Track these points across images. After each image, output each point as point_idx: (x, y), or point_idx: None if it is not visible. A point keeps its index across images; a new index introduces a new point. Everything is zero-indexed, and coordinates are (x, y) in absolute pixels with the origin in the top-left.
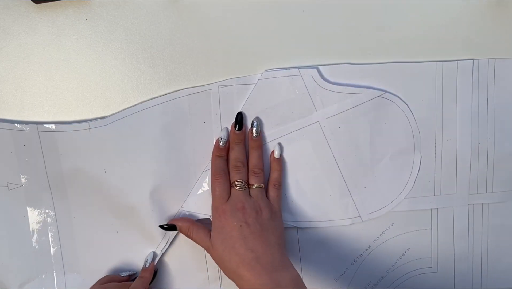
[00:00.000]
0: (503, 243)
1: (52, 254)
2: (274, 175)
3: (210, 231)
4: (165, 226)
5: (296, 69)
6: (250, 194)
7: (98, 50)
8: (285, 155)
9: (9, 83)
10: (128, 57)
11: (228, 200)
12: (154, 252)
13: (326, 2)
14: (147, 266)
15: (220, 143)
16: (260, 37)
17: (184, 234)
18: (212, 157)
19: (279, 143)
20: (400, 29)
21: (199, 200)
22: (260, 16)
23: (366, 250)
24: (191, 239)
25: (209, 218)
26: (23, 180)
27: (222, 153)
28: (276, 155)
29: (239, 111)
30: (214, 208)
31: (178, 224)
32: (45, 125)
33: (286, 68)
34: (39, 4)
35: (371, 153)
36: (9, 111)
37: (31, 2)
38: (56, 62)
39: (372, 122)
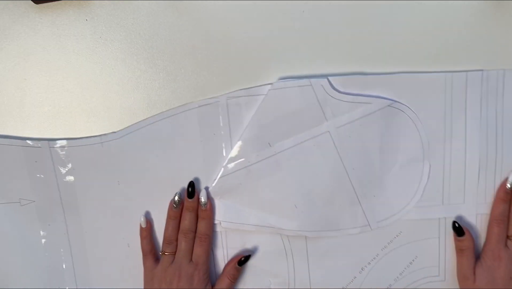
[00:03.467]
0: None
1: (64, 268)
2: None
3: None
4: None
5: (307, 80)
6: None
7: (98, 50)
8: (295, 164)
9: (9, 83)
10: (128, 57)
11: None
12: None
13: (334, 8)
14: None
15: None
16: (261, 36)
17: None
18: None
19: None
20: (408, 37)
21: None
22: (262, 15)
23: (374, 258)
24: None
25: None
26: (35, 196)
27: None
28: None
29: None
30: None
31: None
32: (57, 141)
33: (296, 79)
34: (39, 4)
35: (380, 162)
36: (9, 111)
37: (31, 2)
38: (56, 62)
39: (381, 132)
